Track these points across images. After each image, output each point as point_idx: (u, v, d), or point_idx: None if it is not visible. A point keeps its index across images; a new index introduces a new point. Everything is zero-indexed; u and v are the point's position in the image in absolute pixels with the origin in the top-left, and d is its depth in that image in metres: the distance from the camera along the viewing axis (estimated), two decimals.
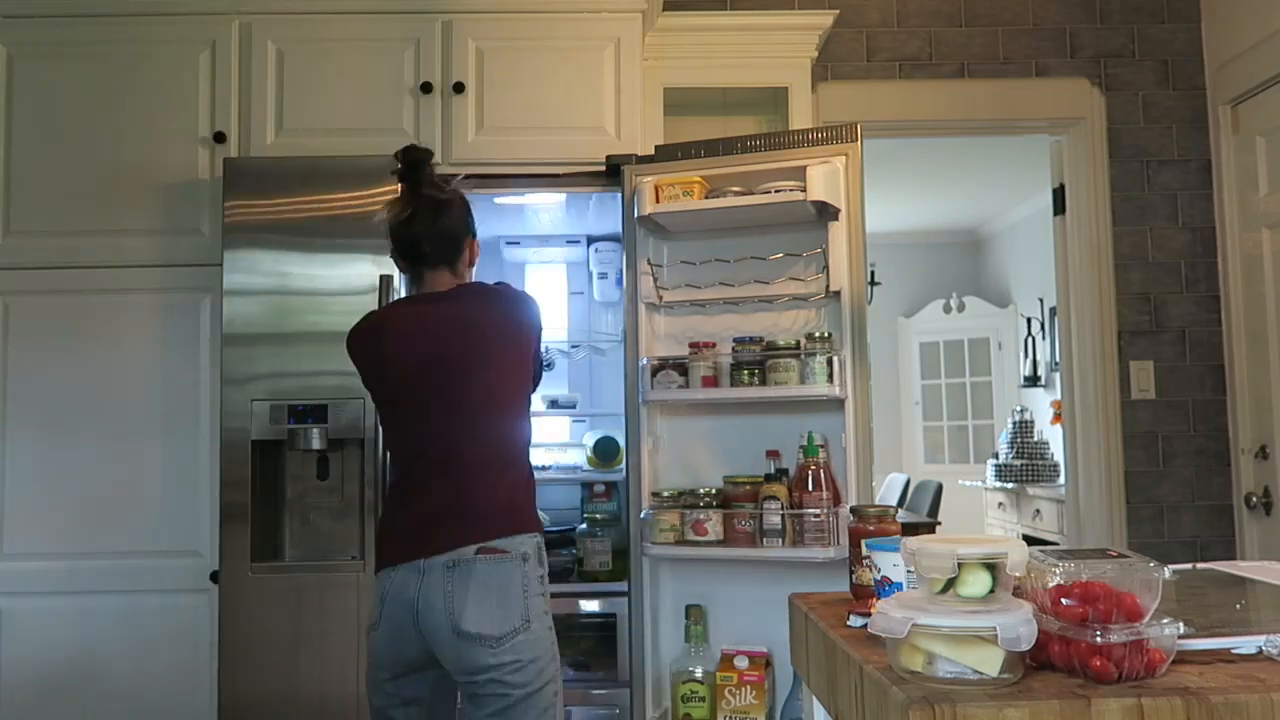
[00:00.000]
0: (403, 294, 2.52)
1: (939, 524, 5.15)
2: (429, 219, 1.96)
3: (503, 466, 1.91)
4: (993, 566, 1.04)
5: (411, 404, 1.93)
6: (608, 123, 2.66)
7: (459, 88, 2.64)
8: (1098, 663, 0.98)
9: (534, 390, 2.05)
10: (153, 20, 2.65)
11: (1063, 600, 1.03)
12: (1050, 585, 1.05)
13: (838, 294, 2.40)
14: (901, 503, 5.89)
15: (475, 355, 1.91)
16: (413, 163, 1.98)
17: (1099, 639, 0.98)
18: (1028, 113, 3.30)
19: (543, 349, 2.08)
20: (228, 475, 2.43)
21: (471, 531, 1.84)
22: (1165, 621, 1.01)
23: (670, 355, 2.52)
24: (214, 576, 2.47)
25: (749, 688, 2.36)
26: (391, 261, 2.46)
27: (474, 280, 2.06)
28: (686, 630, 2.45)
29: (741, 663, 2.37)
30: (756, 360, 2.42)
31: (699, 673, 2.41)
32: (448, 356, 1.90)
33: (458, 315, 1.94)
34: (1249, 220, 3.11)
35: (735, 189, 2.43)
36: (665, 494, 2.46)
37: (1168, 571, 1.05)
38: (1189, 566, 1.55)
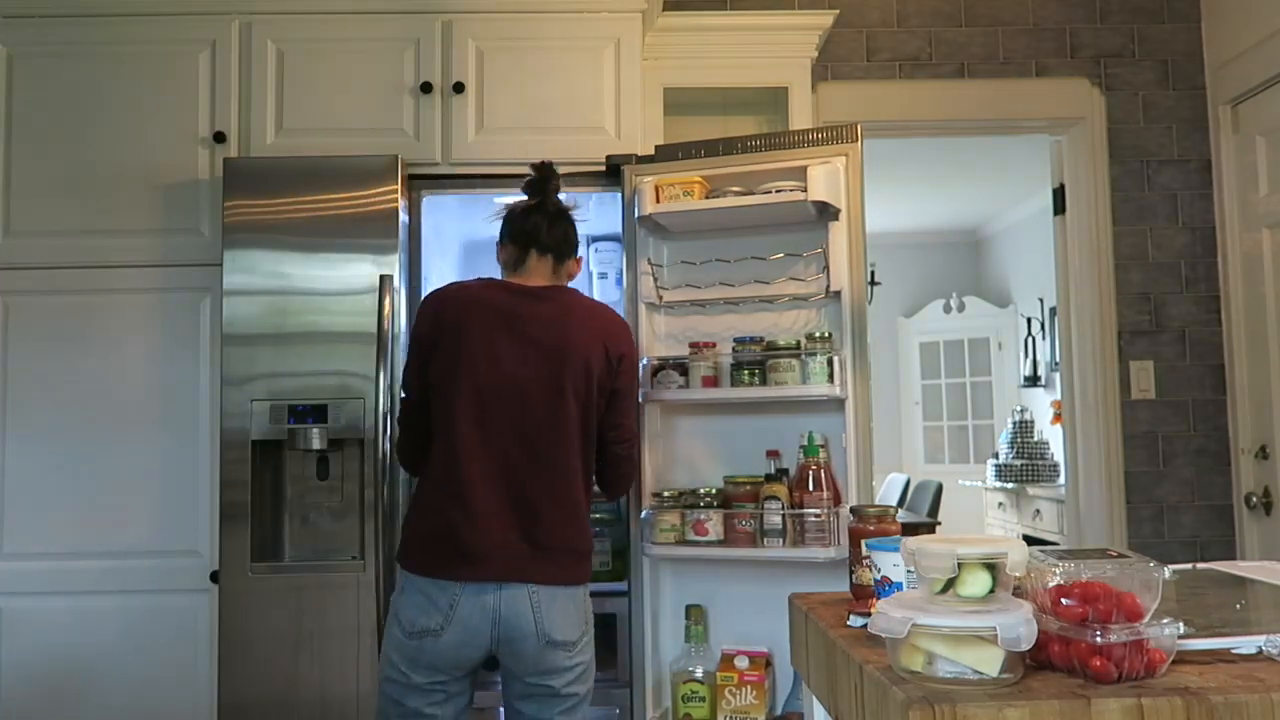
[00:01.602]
0: (403, 293, 2.53)
1: (939, 524, 5.16)
2: (555, 210, 2.10)
3: (580, 509, 2.01)
4: (993, 566, 1.04)
5: (495, 413, 1.97)
6: (608, 123, 2.66)
7: (459, 88, 2.64)
8: (1098, 663, 0.98)
9: (631, 429, 2.17)
10: (153, 20, 2.65)
11: (1063, 600, 1.03)
12: (1050, 585, 1.06)
13: (838, 294, 2.40)
14: (901, 503, 5.89)
15: (566, 381, 1.97)
16: (545, 175, 2.12)
17: (1099, 639, 0.98)
18: (1028, 113, 3.30)
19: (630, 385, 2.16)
20: (228, 475, 2.43)
21: (558, 573, 1.96)
22: (1165, 621, 1.01)
23: (670, 355, 2.52)
24: (214, 576, 2.47)
25: (749, 688, 2.36)
26: (391, 262, 2.47)
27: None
28: (686, 630, 2.45)
29: (741, 663, 2.37)
30: (757, 360, 2.42)
31: (699, 673, 2.41)
32: (546, 376, 1.98)
33: (552, 324, 2.00)
34: (1249, 220, 3.11)
35: (735, 189, 2.43)
36: (666, 494, 2.46)
37: (1167, 571, 1.05)
38: (1189, 566, 1.55)
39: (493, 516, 1.92)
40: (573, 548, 1.99)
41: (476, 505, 1.92)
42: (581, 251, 3.14)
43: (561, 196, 2.13)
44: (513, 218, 2.10)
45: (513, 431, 1.95)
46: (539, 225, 2.07)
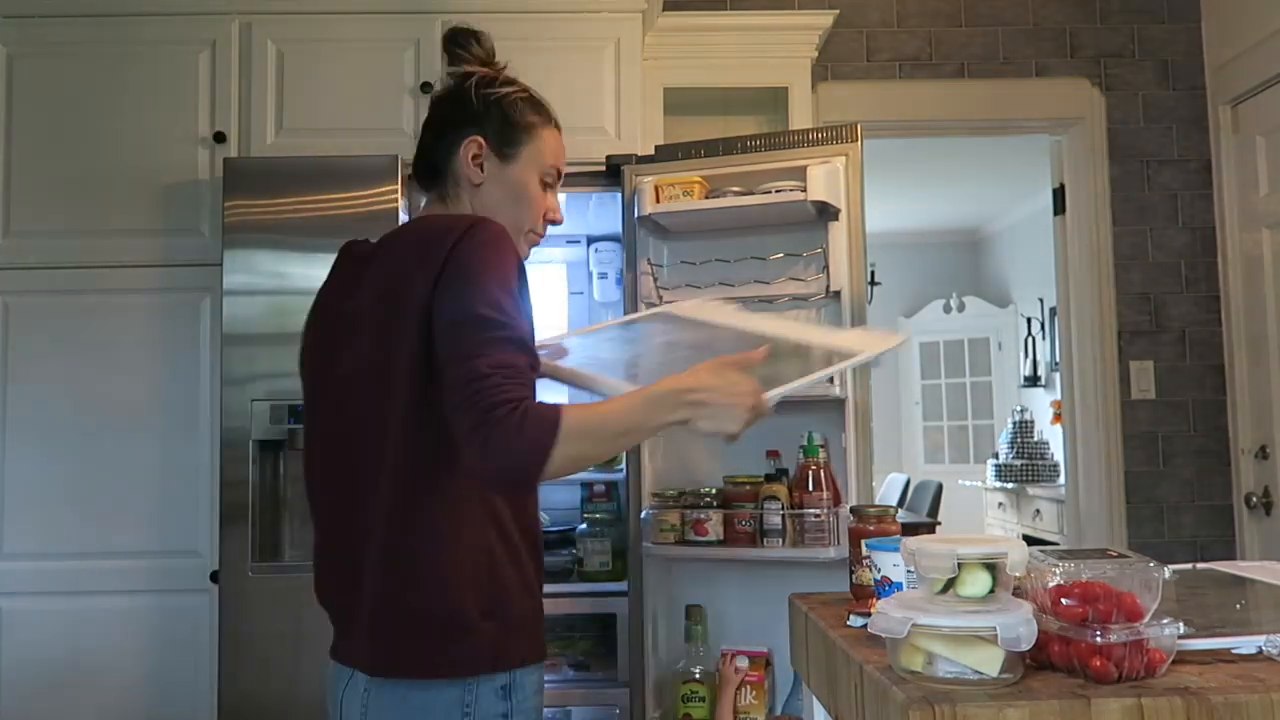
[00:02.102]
0: None
1: (939, 524, 5.15)
2: (431, 105, 1.46)
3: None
4: (993, 566, 1.04)
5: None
6: (608, 123, 2.66)
7: None
8: (1098, 663, 0.98)
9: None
10: (153, 20, 2.65)
11: (1063, 600, 1.03)
12: (1050, 585, 1.05)
13: (838, 294, 2.40)
14: (901, 503, 5.89)
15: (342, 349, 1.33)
16: (447, 49, 1.45)
17: (1099, 639, 0.98)
18: (1028, 113, 3.30)
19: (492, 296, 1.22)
20: (228, 475, 2.43)
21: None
22: (1165, 622, 1.01)
23: None
24: (214, 576, 2.47)
25: (749, 688, 2.36)
26: None
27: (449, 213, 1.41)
28: (686, 630, 2.45)
29: (741, 663, 2.37)
30: None
31: (699, 673, 2.41)
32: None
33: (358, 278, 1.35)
34: (1249, 220, 3.11)
35: (735, 189, 2.43)
36: (665, 494, 2.46)
37: (1167, 571, 1.05)
38: (1189, 566, 1.55)
39: None
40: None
41: None
42: (582, 251, 3.13)
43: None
44: None
45: None
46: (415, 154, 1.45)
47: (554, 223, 1.49)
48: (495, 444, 1.14)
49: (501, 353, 1.17)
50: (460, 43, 1.43)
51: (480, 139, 1.39)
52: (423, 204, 1.47)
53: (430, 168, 1.43)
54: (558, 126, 1.50)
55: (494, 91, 1.42)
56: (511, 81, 1.45)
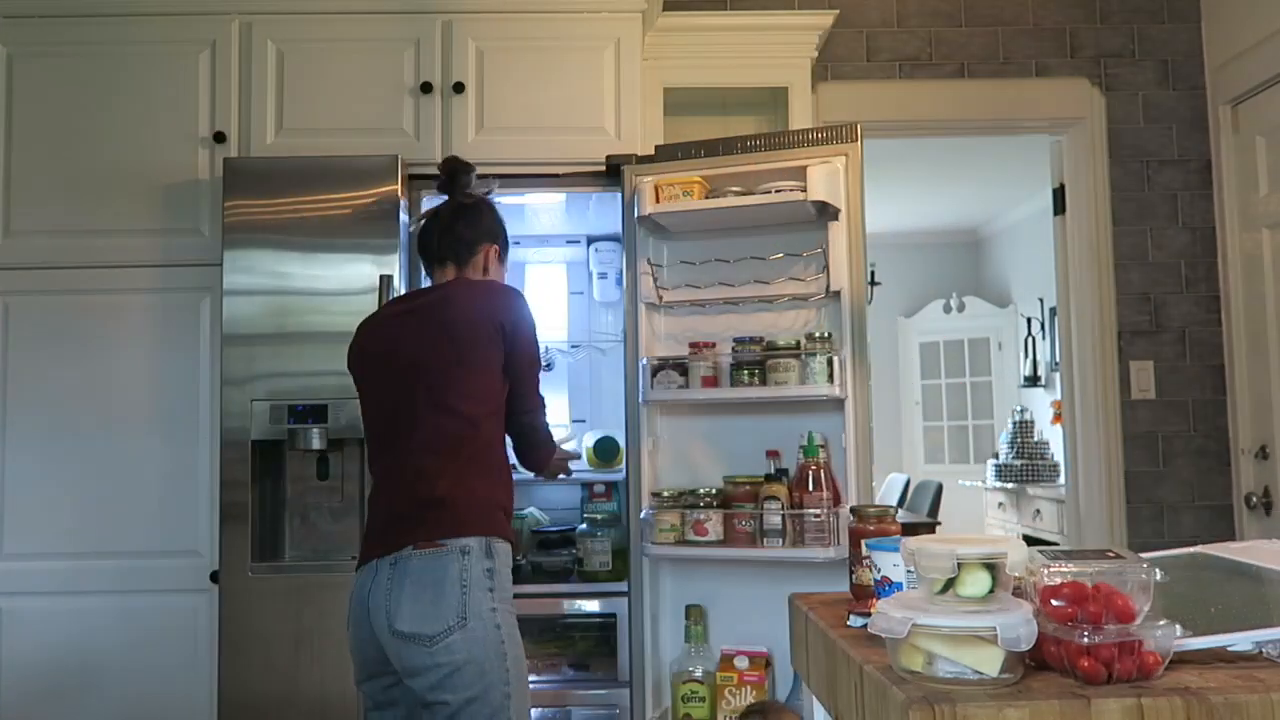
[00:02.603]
0: (402, 293, 2.52)
1: (939, 524, 5.15)
2: (447, 218, 2.04)
3: (458, 467, 1.84)
4: (992, 566, 1.04)
5: (373, 403, 1.97)
6: (608, 123, 2.66)
7: (459, 88, 2.64)
8: (1086, 663, 0.98)
9: (530, 399, 1.99)
10: (153, 20, 2.65)
11: (1052, 601, 1.03)
12: (1041, 586, 1.05)
13: (838, 294, 2.40)
14: (901, 503, 5.89)
15: (429, 352, 1.88)
16: (451, 172, 2.07)
17: (1086, 639, 0.98)
18: (1028, 113, 3.30)
19: (539, 351, 2.01)
20: (228, 475, 2.43)
21: (417, 530, 1.80)
22: (1161, 624, 1.01)
23: (670, 355, 2.52)
24: (214, 576, 2.47)
25: (749, 688, 2.36)
26: (391, 262, 2.47)
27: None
28: (686, 630, 2.45)
29: (741, 663, 2.37)
30: (756, 360, 2.42)
31: (699, 673, 2.41)
32: (399, 354, 1.91)
33: (423, 311, 1.93)
34: (1249, 220, 3.11)
35: (735, 189, 2.43)
36: (665, 494, 2.46)
37: (1159, 574, 1.05)
38: (1191, 551, 1.53)
39: (378, 496, 1.94)
40: (437, 498, 1.82)
41: (374, 496, 1.95)
42: (582, 251, 3.14)
43: (481, 189, 2.09)
44: (417, 233, 2.08)
45: (392, 413, 1.94)
46: (430, 235, 2.03)
47: None
48: (536, 463, 2.09)
49: (543, 414, 2.03)
50: (464, 171, 2.08)
51: (496, 248, 2.08)
52: (447, 269, 2.04)
53: (454, 253, 2.03)
54: None
55: (500, 218, 2.11)
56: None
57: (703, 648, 2.45)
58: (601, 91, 2.66)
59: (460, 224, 2.03)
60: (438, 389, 1.86)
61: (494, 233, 2.06)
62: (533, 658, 2.58)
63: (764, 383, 2.40)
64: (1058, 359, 4.95)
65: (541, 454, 2.06)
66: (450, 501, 1.81)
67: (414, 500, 1.83)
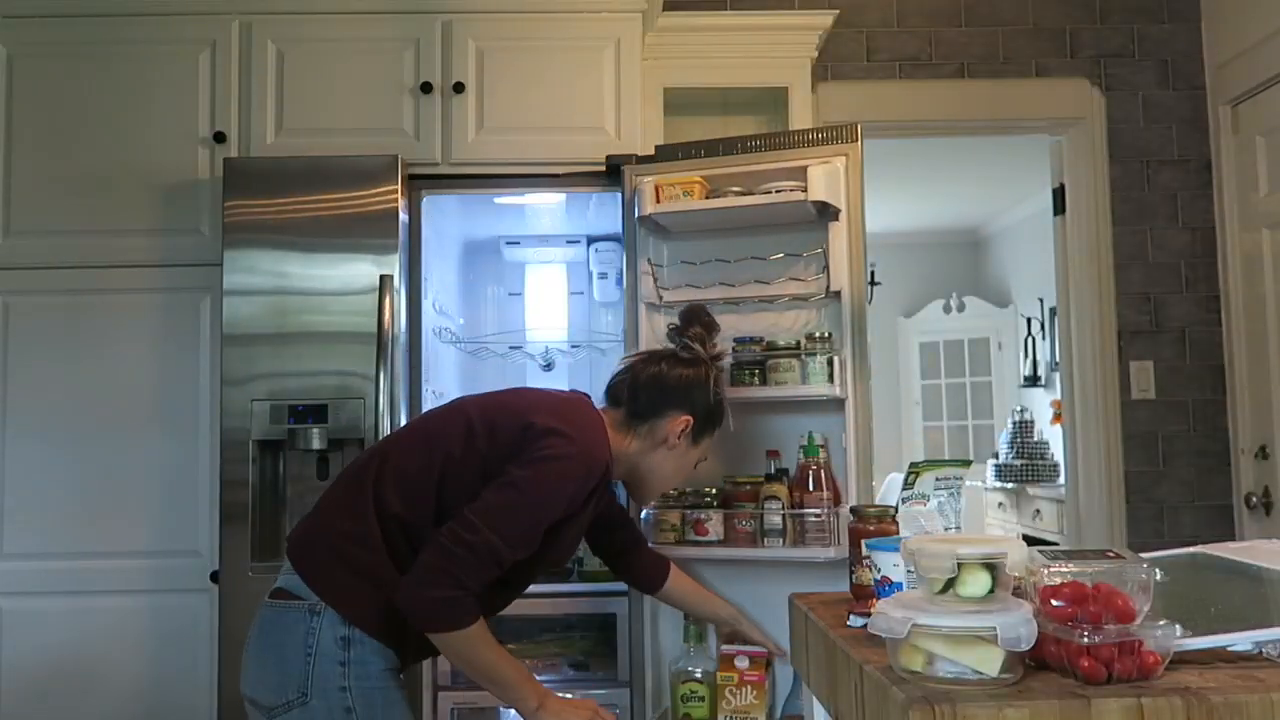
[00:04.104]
0: (403, 293, 2.52)
1: None
2: (643, 366, 1.86)
3: (356, 524, 1.58)
4: (992, 566, 1.04)
5: None
6: (607, 123, 2.66)
7: (459, 88, 2.64)
8: (1086, 663, 0.98)
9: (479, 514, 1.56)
10: (152, 20, 2.65)
11: (1052, 601, 1.03)
12: (1041, 586, 1.06)
13: (838, 294, 2.39)
14: None
15: (437, 433, 1.70)
16: (688, 318, 1.95)
17: (1086, 639, 0.98)
18: (1028, 113, 3.30)
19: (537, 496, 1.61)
20: (228, 475, 2.43)
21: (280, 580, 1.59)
22: (1161, 624, 1.01)
23: None
24: (214, 576, 2.47)
25: (749, 688, 2.35)
26: (391, 262, 2.47)
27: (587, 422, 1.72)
28: (686, 630, 2.45)
29: (742, 662, 2.37)
30: (757, 360, 2.42)
31: (699, 673, 2.41)
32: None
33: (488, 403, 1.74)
34: (1249, 220, 3.11)
35: (735, 189, 2.43)
36: (665, 494, 2.46)
37: (1159, 574, 1.05)
38: (1191, 550, 1.53)
39: None
40: (311, 549, 1.57)
41: None
42: (582, 251, 3.13)
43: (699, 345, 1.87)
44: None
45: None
46: (620, 376, 1.86)
47: None
48: (424, 585, 1.48)
49: (488, 551, 1.50)
50: (701, 319, 1.90)
51: (690, 419, 1.80)
52: (604, 406, 1.82)
53: (635, 402, 1.78)
54: None
55: (720, 392, 1.85)
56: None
57: (702, 648, 2.44)
58: (601, 91, 2.66)
59: (652, 378, 1.80)
60: (407, 464, 1.68)
61: (688, 404, 1.82)
62: (533, 657, 2.58)
63: (764, 383, 2.40)
64: (1058, 359, 4.95)
65: (417, 594, 1.51)
66: (325, 549, 1.57)
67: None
